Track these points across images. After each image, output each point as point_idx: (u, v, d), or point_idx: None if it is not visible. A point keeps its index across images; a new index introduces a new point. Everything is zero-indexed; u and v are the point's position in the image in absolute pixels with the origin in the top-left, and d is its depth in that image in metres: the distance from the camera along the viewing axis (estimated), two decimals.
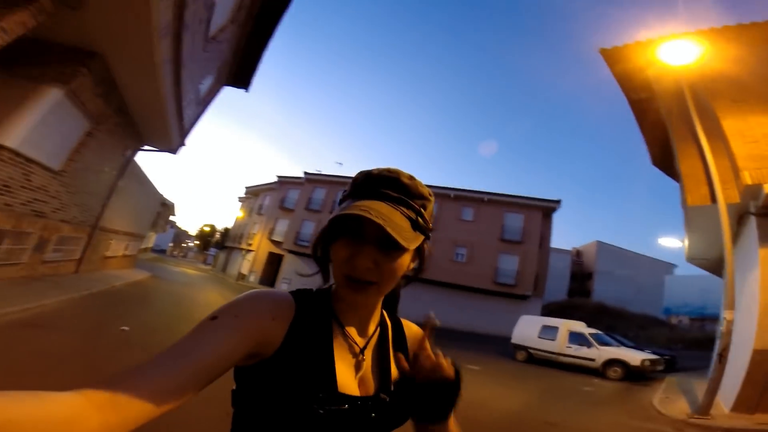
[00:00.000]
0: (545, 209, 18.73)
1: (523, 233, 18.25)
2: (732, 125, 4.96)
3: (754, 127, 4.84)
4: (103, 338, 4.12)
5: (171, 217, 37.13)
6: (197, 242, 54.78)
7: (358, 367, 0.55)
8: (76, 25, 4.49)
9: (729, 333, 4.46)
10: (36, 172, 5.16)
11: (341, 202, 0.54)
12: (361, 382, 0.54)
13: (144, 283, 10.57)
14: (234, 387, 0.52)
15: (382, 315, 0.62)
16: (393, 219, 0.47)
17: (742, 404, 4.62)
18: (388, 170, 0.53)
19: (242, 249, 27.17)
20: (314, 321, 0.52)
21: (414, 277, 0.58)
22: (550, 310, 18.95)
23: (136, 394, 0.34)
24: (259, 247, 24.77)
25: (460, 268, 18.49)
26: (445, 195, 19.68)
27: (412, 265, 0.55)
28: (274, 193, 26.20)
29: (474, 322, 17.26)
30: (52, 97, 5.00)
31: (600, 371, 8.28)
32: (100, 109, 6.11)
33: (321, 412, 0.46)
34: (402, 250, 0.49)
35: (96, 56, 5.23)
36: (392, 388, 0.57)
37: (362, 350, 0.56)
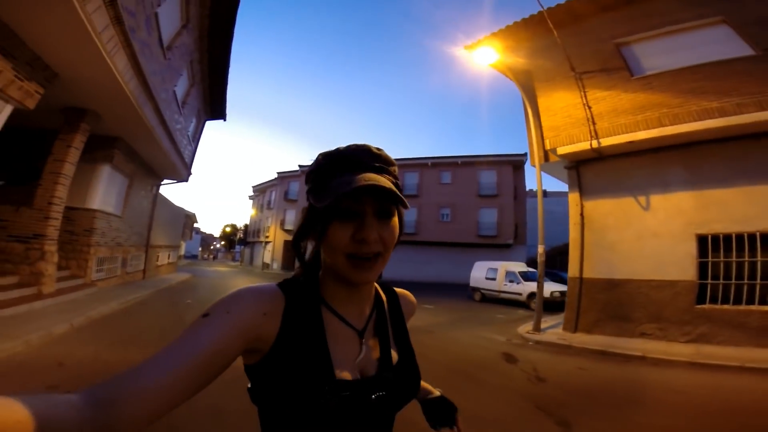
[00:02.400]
0: (514, 163, 20.97)
1: (498, 187, 20.68)
2: (543, 102, 7.22)
3: (555, 103, 7.02)
4: (177, 307, 7.46)
5: (195, 225, 41.60)
6: (223, 242, 59.84)
7: (358, 350, 0.55)
8: (105, 125, 7.33)
9: (542, 263, 6.66)
10: (112, 219, 8.46)
11: (315, 187, 0.54)
12: (363, 365, 0.55)
13: (189, 281, 14.20)
14: (249, 385, 0.53)
15: (375, 290, 0.63)
16: (387, 184, 0.49)
17: (567, 324, 6.31)
18: (356, 145, 0.54)
19: (262, 242, 31.10)
20: (305, 311, 0.53)
21: (397, 241, 0.56)
22: (549, 256, 21.28)
23: (137, 395, 0.35)
24: (275, 237, 28.48)
25: (446, 227, 21.37)
26: (423, 164, 22.21)
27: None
28: (277, 188, 29.49)
29: (464, 274, 20.27)
30: (105, 171, 8.13)
31: (525, 303, 10.19)
32: (131, 169, 9.24)
33: (322, 402, 0.47)
34: (393, 216, 0.53)
35: (119, 139, 8.10)
36: (394, 364, 0.57)
37: (362, 332, 0.56)
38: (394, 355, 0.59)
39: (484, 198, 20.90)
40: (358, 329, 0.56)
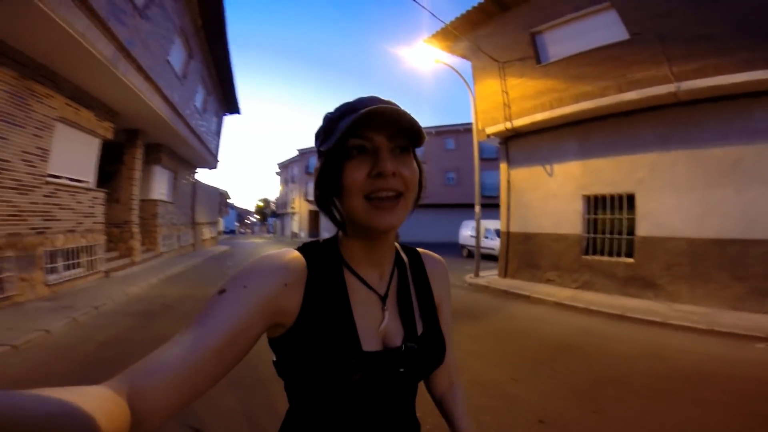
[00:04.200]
0: None
1: (498, 152, 21.83)
2: (478, 89, 8.81)
3: (485, 89, 8.60)
4: (221, 268, 10.42)
5: (228, 201, 45.99)
6: (257, 216, 64.88)
7: (381, 316, 0.53)
8: (152, 137, 9.91)
9: (479, 220, 8.84)
10: (167, 205, 11.44)
11: (323, 138, 0.51)
12: (386, 332, 0.53)
13: (228, 251, 17.53)
14: (273, 358, 0.51)
15: (396, 251, 0.60)
16: (399, 109, 0.46)
17: (500, 271, 8.31)
18: (361, 97, 0.51)
19: (290, 213, 34.54)
20: (328, 277, 0.51)
21: (418, 198, 0.54)
22: None
23: (161, 384, 0.34)
24: (300, 208, 31.66)
25: (452, 190, 23.15)
26: (428, 132, 23.65)
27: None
28: (299, 164, 32.20)
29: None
30: (157, 170, 10.94)
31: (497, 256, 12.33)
32: (173, 165, 12.04)
33: (349, 376, 0.46)
34: (411, 153, 0.50)
35: (163, 145, 10.76)
36: (419, 335, 0.55)
37: (384, 298, 0.55)
38: (419, 323, 0.57)
39: (485, 161, 22.19)
40: (380, 294, 0.54)
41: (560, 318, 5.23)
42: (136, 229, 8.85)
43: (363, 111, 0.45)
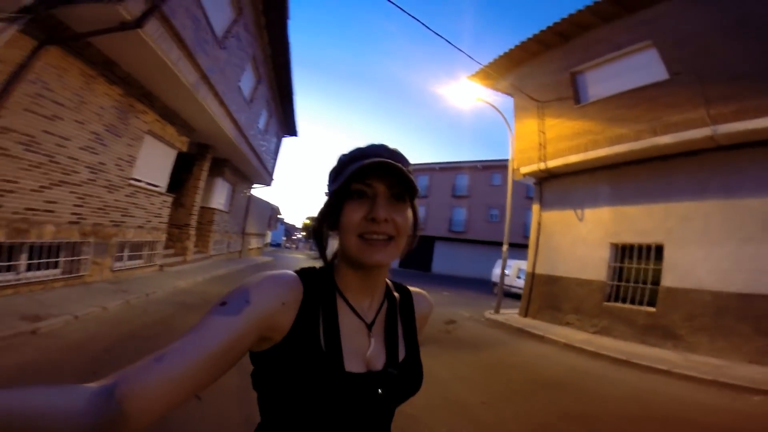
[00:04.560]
0: None
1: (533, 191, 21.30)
2: (517, 128, 9.02)
3: (523, 128, 8.76)
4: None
5: (279, 216, 49.05)
6: (304, 233, 67.88)
7: (367, 342, 0.57)
8: (219, 153, 11.42)
9: (505, 259, 8.85)
10: (223, 214, 12.84)
11: (334, 179, 0.59)
12: (370, 358, 0.56)
13: (271, 261, 18.78)
14: (252, 369, 0.54)
15: (388, 286, 0.65)
16: (397, 166, 0.53)
17: (521, 310, 8.24)
18: (374, 144, 0.59)
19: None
20: (321, 301, 0.55)
21: (414, 238, 0.61)
22: None
23: (154, 384, 0.37)
24: None
25: (495, 227, 22.73)
26: (473, 167, 23.83)
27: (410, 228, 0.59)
28: None
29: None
30: (219, 182, 12.41)
31: None
32: (234, 179, 13.55)
33: (329, 395, 0.49)
34: (406, 201, 0.56)
35: (228, 161, 12.28)
36: (400, 361, 0.59)
37: (370, 325, 0.58)
38: (401, 351, 0.61)
39: (529, 200, 21.70)
40: (367, 322, 0.58)
41: (563, 358, 5.13)
42: (192, 232, 10.11)
43: (366, 162, 0.51)
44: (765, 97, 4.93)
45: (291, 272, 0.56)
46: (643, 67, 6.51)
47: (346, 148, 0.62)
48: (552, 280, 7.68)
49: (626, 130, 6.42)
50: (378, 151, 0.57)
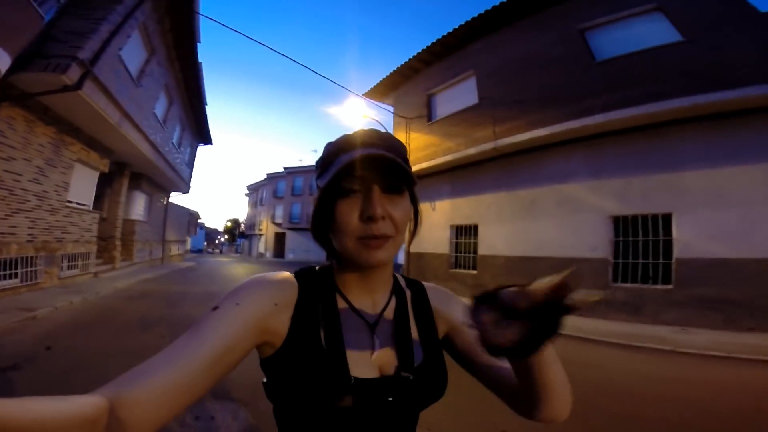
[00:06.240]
0: None
1: None
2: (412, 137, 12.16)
3: (400, 139, 11.99)
4: (184, 278, 12.81)
5: (198, 221, 47.39)
6: (226, 236, 65.66)
7: (373, 344, 0.54)
8: (136, 168, 12.48)
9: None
10: (142, 224, 13.84)
11: (321, 172, 0.54)
12: (380, 361, 0.53)
13: (192, 266, 19.65)
14: (264, 380, 0.53)
15: (397, 282, 0.62)
16: (389, 155, 0.49)
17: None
18: (363, 130, 0.54)
19: (257, 234, 36.63)
20: (319, 302, 0.53)
21: (414, 232, 0.58)
22: None
23: (147, 393, 0.37)
24: (267, 230, 33.91)
25: None
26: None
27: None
28: (267, 187, 34.78)
29: None
30: (137, 194, 13.40)
31: None
32: (151, 190, 14.53)
33: (336, 401, 0.47)
34: (403, 192, 0.52)
35: (144, 175, 13.24)
36: (416, 365, 0.55)
37: (374, 325, 0.56)
38: (418, 354, 0.56)
39: None
40: (369, 321, 0.55)
41: None
42: (118, 243, 11.27)
43: (356, 155, 0.48)
44: (527, 118, 7.87)
45: (285, 272, 0.56)
46: (468, 92, 9.53)
47: (334, 136, 0.58)
48: (419, 256, 10.88)
49: (452, 144, 9.66)
50: (369, 139, 0.53)
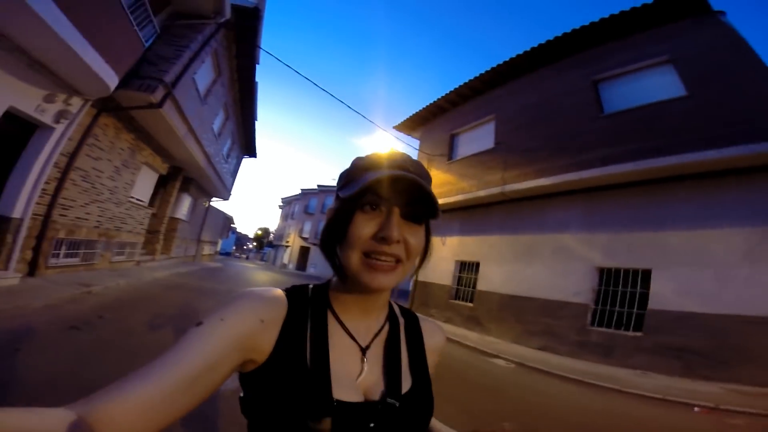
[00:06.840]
0: None
1: None
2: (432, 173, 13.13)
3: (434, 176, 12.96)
4: (213, 274, 14.16)
5: (232, 225, 50.33)
6: (255, 244, 68.55)
7: (361, 368, 0.54)
8: (188, 173, 14.31)
9: None
10: (184, 223, 15.56)
11: (345, 183, 0.55)
12: (366, 386, 0.53)
13: (220, 267, 21.27)
14: (241, 394, 0.52)
15: (392, 309, 0.62)
16: (420, 181, 0.49)
17: (409, 305, 12.81)
18: (395, 150, 0.54)
19: (284, 245, 38.41)
20: (308, 320, 0.52)
21: (420, 264, 0.57)
22: None
23: (119, 414, 0.35)
24: (293, 242, 35.55)
25: None
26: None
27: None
28: (300, 202, 36.76)
29: None
30: (184, 196, 15.17)
31: None
32: (196, 193, 16.33)
33: (315, 424, 0.45)
34: (422, 223, 0.53)
35: (193, 179, 15.11)
36: (403, 393, 0.54)
37: (365, 349, 0.55)
38: (407, 382, 0.56)
39: None
40: (362, 345, 0.55)
41: None
42: (161, 237, 12.87)
43: (386, 173, 0.48)
44: (535, 166, 8.43)
45: (275, 289, 0.55)
46: (487, 135, 10.26)
47: (363, 152, 0.58)
48: (425, 285, 11.53)
49: (466, 184, 10.42)
50: (401, 162, 0.53)
